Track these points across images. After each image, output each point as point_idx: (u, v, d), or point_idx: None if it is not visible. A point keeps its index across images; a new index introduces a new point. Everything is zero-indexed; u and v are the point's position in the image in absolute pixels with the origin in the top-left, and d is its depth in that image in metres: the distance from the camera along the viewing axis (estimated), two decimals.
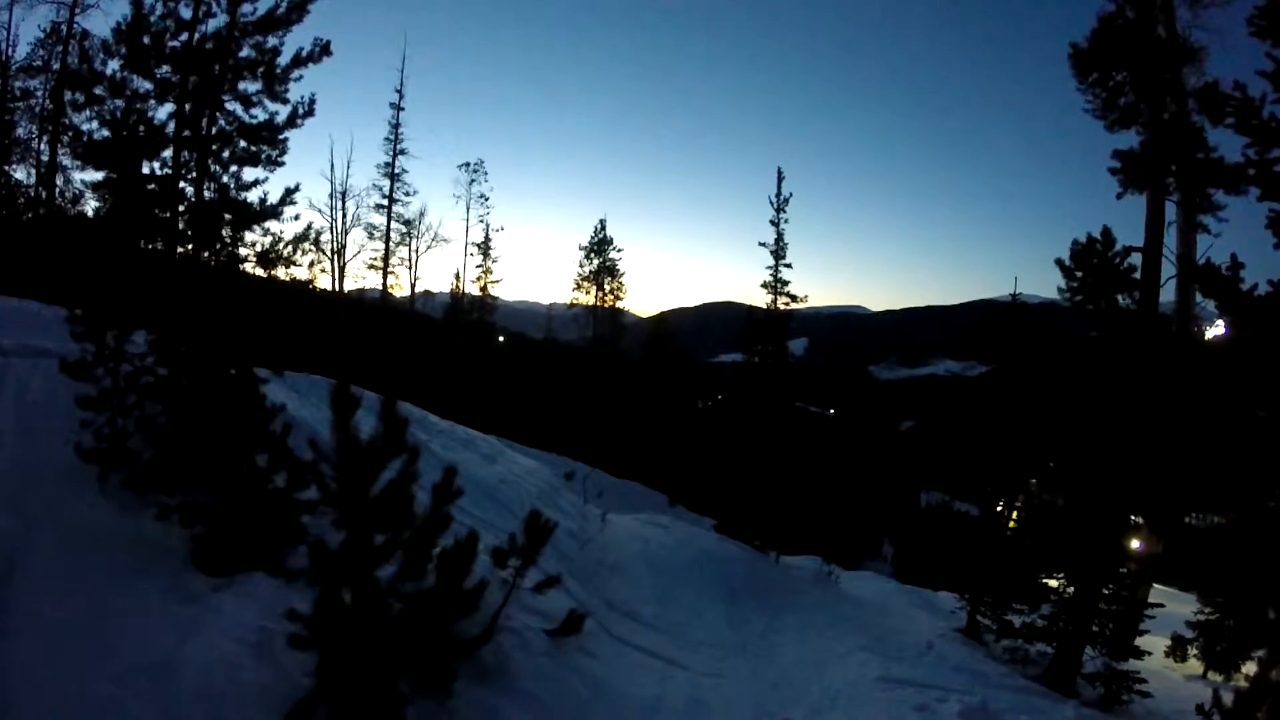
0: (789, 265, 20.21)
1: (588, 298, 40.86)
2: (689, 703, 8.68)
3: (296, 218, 12.79)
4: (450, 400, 26.73)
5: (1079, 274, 12.61)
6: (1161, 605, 13.69)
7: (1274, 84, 9.36)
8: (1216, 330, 13.33)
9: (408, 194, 35.39)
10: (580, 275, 40.79)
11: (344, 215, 34.11)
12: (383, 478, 4.86)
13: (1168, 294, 13.86)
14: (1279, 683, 8.22)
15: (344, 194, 33.70)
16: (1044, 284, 14.25)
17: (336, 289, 33.77)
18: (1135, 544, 14.23)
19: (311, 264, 16.86)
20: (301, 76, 12.87)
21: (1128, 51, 13.99)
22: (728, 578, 14.10)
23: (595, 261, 40.60)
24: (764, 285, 20.31)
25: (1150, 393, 12.04)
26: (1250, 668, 14.60)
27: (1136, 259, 13.05)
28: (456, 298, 39.97)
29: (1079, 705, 9.96)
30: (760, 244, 20.21)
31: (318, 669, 4.79)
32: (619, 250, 40.81)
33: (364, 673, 4.90)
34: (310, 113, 12.98)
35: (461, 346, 37.78)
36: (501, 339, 46.32)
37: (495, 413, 30.66)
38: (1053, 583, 13.18)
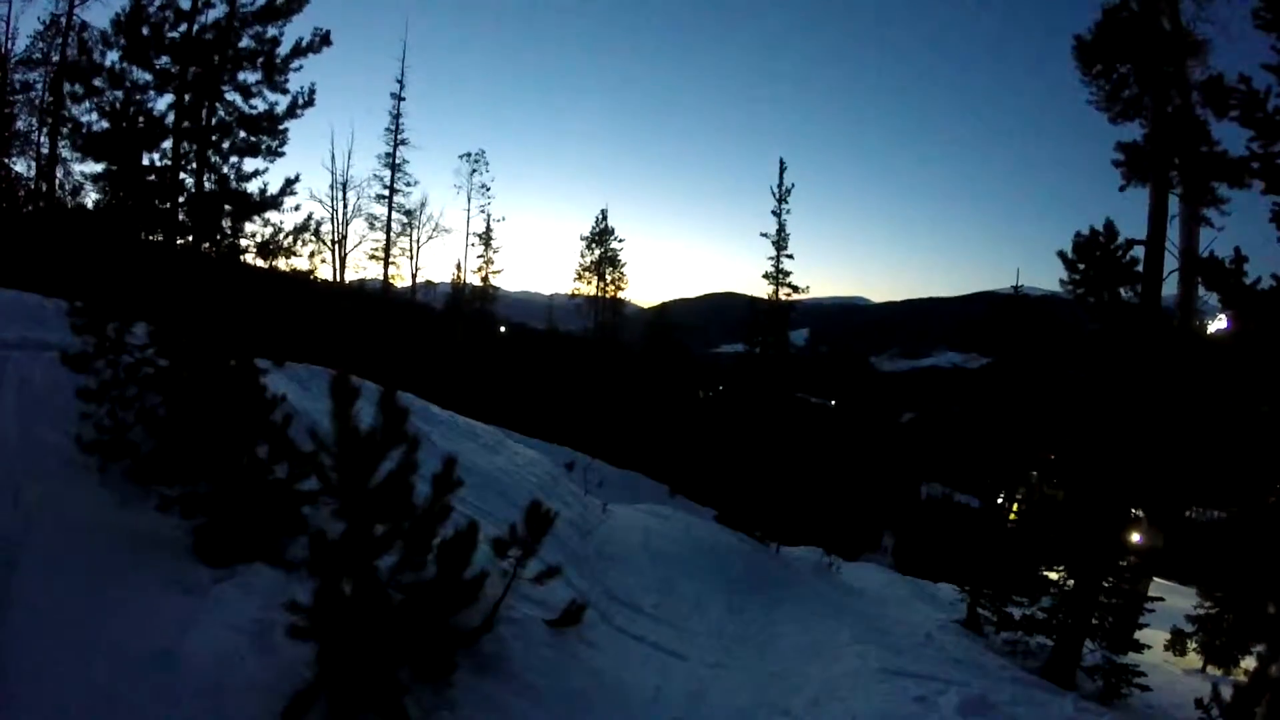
0: (790, 256, 20.19)
1: (589, 288, 40.83)
2: (689, 693, 8.70)
3: (297, 208, 12.92)
4: (451, 390, 26.76)
5: (1081, 266, 12.57)
6: (1161, 599, 13.70)
7: (1279, 77, 9.33)
8: (1219, 324, 13.30)
9: (409, 184, 35.25)
10: (581, 266, 40.78)
11: (345, 205, 33.93)
12: (383, 468, 4.87)
13: (1170, 287, 13.85)
14: (1278, 678, 8.23)
15: (345, 184, 33.51)
16: (1046, 276, 14.20)
17: (337, 279, 33.73)
18: (1135, 537, 14.24)
19: (312, 254, 16.84)
20: (301, 66, 12.89)
21: (1132, 44, 13.94)
22: (728, 568, 14.12)
23: (596, 252, 40.57)
24: (765, 276, 20.29)
25: (1152, 386, 12.03)
26: (1249, 662, 14.63)
27: (1139, 252, 13.00)
28: (458, 288, 39.98)
29: (1078, 698, 9.96)
30: (762, 235, 20.19)
31: (318, 659, 4.80)
32: (620, 240, 40.82)
33: (364, 663, 4.91)
34: (310, 103, 12.98)
35: (463, 337, 37.78)
36: (503, 329, 46.27)
37: (496, 403, 30.69)
38: (1053, 575, 13.19)
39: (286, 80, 12.72)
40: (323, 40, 12.93)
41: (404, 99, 33.89)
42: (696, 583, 13.02)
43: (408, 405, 5.08)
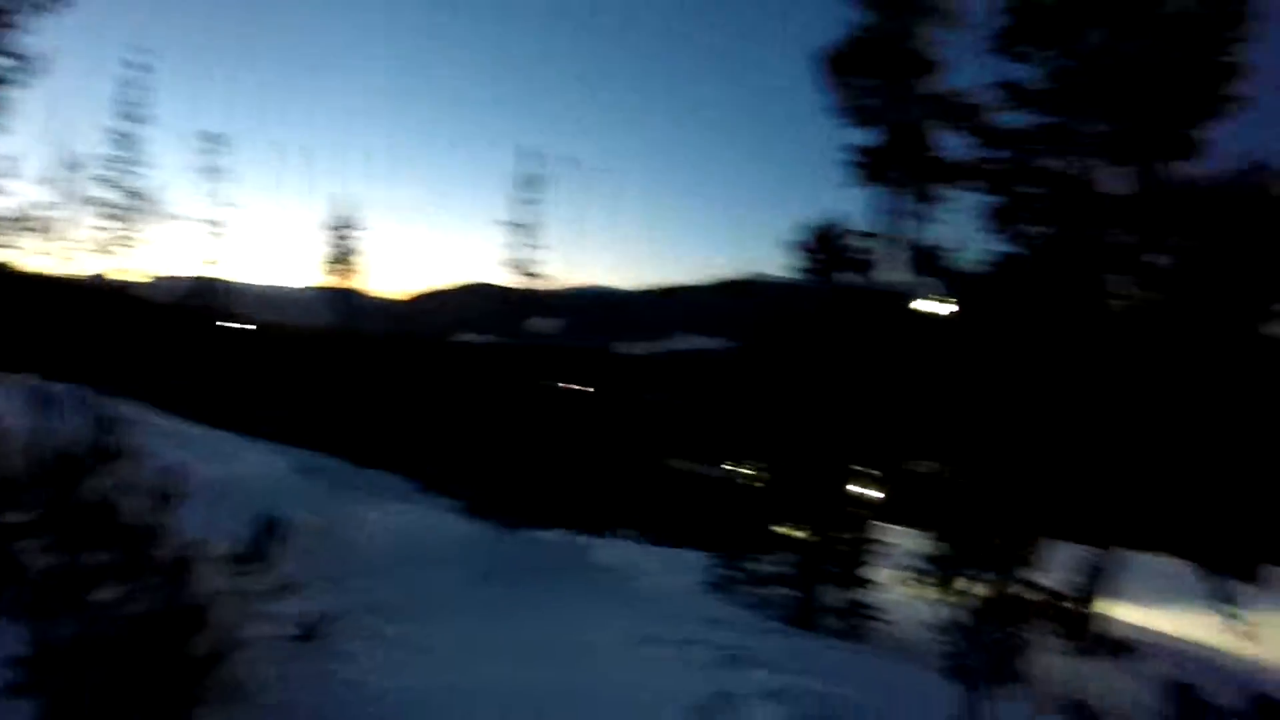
0: (540, 246, 20.32)
1: (335, 280, 39.25)
2: (446, 689, 8.53)
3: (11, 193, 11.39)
4: (183, 394, 25.08)
5: (814, 255, 13.66)
6: (894, 542, 15.06)
7: (1003, 96, 10.55)
8: (934, 306, 14.69)
9: (143, 168, 32.01)
10: (326, 257, 39.11)
11: (73, 190, 30.47)
12: (90, 487, 4.42)
13: (899, 275, 15.18)
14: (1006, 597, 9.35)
15: (73, 166, 30.05)
16: (783, 264, 15.31)
17: (59, 273, 30.32)
18: (861, 491, 15.57)
19: (29, 246, 14.91)
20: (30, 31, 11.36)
21: (875, 62, 15.06)
22: (479, 559, 14.01)
23: (341, 243, 39.06)
24: (514, 266, 20.31)
25: (874, 364, 13.26)
26: (964, 585, 16.41)
27: (869, 243, 14.18)
28: (191, 281, 37.20)
29: (826, 637, 10.79)
30: (510, 224, 20.16)
31: (43, 717, 4.30)
32: (363, 230, 39.48)
33: (93, 713, 4.45)
34: (40, 71, 11.49)
35: (198, 334, 35.36)
36: (242, 325, 43.80)
37: (233, 406, 28.97)
38: (792, 533, 14.28)
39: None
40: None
41: (141, 72, 30.81)
42: (447, 578, 12.83)
43: (124, 414, 4.65)
